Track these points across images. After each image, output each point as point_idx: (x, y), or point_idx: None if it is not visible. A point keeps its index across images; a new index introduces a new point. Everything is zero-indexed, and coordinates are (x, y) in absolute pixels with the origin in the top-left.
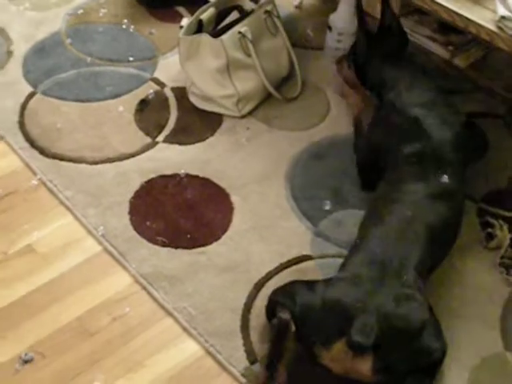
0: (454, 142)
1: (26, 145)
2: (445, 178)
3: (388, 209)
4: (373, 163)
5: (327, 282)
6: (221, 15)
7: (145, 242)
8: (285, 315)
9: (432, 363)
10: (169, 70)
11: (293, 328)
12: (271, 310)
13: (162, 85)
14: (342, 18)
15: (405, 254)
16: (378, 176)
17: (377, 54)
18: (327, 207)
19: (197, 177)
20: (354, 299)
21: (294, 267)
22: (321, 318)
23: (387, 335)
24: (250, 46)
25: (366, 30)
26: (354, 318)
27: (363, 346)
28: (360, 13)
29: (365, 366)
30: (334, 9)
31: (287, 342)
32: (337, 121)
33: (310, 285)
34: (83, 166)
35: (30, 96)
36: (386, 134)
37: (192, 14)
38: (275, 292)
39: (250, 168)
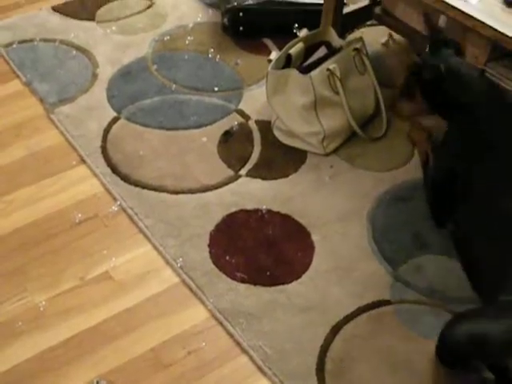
0: None
1: (108, 170)
2: None
3: None
4: (445, 192)
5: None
6: (308, 50)
7: (224, 276)
8: None
9: None
10: (254, 102)
11: None
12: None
13: (246, 117)
14: None
15: None
16: (450, 209)
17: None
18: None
19: (278, 213)
20: None
21: (372, 311)
22: None
23: None
24: (338, 83)
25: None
26: None
27: None
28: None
29: None
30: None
31: None
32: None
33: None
34: (164, 194)
35: (114, 121)
36: (463, 155)
37: (278, 46)
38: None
39: (332, 207)
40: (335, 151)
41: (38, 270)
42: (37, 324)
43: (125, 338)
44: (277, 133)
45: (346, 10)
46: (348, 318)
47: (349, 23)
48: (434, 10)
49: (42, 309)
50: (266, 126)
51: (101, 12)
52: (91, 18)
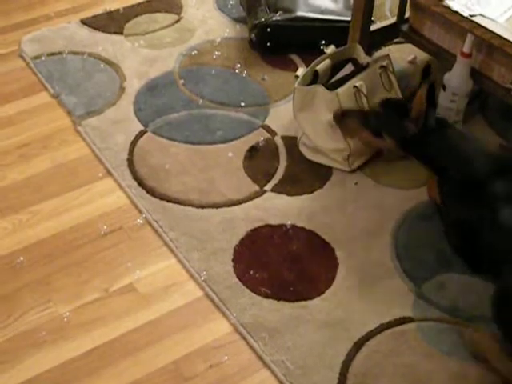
0: None
1: (134, 183)
2: None
3: None
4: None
5: None
6: (335, 67)
7: (247, 290)
8: None
9: None
10: (280, 118)
11: None
12: None
13: (272, 133)
14: (458, 78)
15: None
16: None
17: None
18: None
19: (303, 229)
20: None
21: (395, 328)
22: None
23: None
24: (365, 100)
25: None
26: None
27: None
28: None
29: None
30: (449, 68)
31: None
32: None
33: None
34: (189, 208)
35: (141, 134)
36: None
37: (305, 62)
38: None
39: (356, 223)
40: (360, 168)
41: (63, 280)
42: (60, 334)
43: (147, 351)
44: (303, 149)
45: (373, 27)
46: (370, 335)
47: (376, 40)
48: (461, 28)
49: (65, 319)
50: (291, 142)
51: (129, 26)
52: (119, 32)
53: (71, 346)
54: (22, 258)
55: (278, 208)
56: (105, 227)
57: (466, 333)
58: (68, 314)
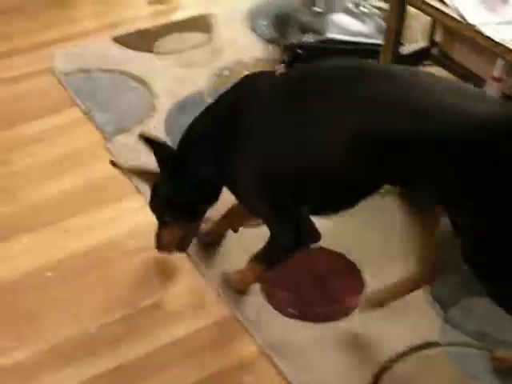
0: None
1: None
2: None
3: None
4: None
5: None
6: None
7: (274, 311)
8: None
9: None
10: None
11: None
12: None
13: None
14: None
15: None
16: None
17: None
18: None
19: (330, 250)
20: None
21: (422, 352)
22: None
23: None
24: None
25: None
26: None
27: None
28: None
29: None
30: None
31: None
32: None
33: None
34: None
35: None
36: None
37: None
38: None
39: (384, 246)
40: (389, 191)
41: (91, 296)
42: (86, 350)
43: (174, 369)
44: None
45: (403, 50)
46: (397, 358)
47: (406, 64)
48: (492, 53)
49: (93, 335)
50: None
51: (159, 44)
52: (150, 50)
53: (97, 362)
54: (50, 274)
55: None
56: (133, 244)
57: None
58: (96, 329)
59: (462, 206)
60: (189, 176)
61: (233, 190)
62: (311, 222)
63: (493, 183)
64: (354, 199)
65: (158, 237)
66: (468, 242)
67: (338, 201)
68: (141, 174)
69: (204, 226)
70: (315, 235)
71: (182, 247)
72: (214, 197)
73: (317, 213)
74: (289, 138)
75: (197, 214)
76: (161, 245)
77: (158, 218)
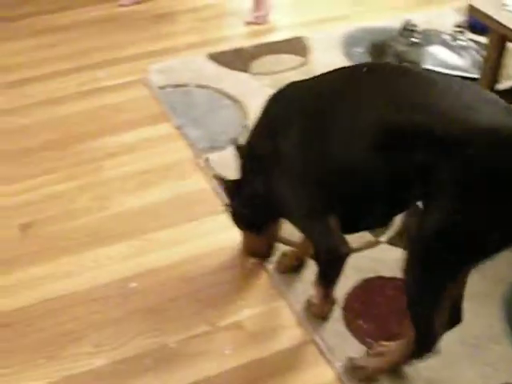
0: None
1: None
2: None
3: None
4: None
5: None
6: None
7: (354, 340)
8: None
9: None
10: None
11: None
12: None
13: None
14: None
15: None
16: None
17: None
18: None
19: None
20: None
21: None
22: None
23: None
24: None
25: None
26: None
27: None
28: None
29: None
30: None
31: None
32: None
33: None
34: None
35: None
36: None
37: None
38: None
39: (468, 283)
40: None
41: (173, 310)
42: (164, 364)
43: None
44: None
45: (500, 86)
46: None
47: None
48: None
49: (171, 349)
50: None
51: (255, 64)
52: (245, 70)
53: (173, 377)
54: (135, 284)
55: (391, 260)
56: (218, 262)
57: None
58: (175, 344)
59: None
60: (245, 191)
61: (277, 203)
62: (341, 235)
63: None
64: (384, 212)
65: (243, 243)
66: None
67: (368, 212)
68: None
69: (288, 251)
70: (346, 247)
71: (262, 254)
72: (273, 212)
73: (349, 230)
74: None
75: (260, 228)
76: (245, 250)
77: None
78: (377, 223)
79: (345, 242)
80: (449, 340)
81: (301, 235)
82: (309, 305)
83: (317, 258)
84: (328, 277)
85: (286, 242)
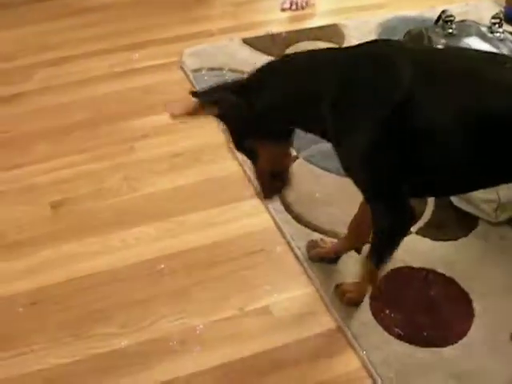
0: None
1: (281, 207)
2: None
3: None
4: None
5: None
6: None
7: (380, 329)
8: None
9: None
10: None
11: None
12: None
13: None
14: None
15: None
16: None
17: None
18: None
19: (442, 275)
20: None
21: None
22: None
23: None
24: None
25: None
26: None
27: None
28: None
29: None
30: None
31: None
32: None
33: None
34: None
35: (293, 160)
36: None
37: None
38: None
39: (498, 278)
40: (509, 223)
41: (200, 293)
42: (190, 346)
43: (272, 375)
44: None
45: None
46: None
47: None
48: None
49: (197, 332)
50: None
51: (290, 50)
52: (280, 55)
53: (198, 360)
54: (162, 266)
55: (420, 251)
56: (247, 247)
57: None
58: (201, 327)
59: None
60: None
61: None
62: (409, 203)
63: None
64: (458, 184)
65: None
66: None
67: (441, 181)
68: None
69: (327, 242)
70: (414, 215)
71: (283, 171)
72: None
73: (416, 195)
74: None
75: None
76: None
77: (240, 148)
78: (449, 191)
79: (414, 210)
80: (474, 334)
81: (351, 226)
82: (341, 291)
83: (377, 232)
84: (386, 250)
85: (332, 235)
